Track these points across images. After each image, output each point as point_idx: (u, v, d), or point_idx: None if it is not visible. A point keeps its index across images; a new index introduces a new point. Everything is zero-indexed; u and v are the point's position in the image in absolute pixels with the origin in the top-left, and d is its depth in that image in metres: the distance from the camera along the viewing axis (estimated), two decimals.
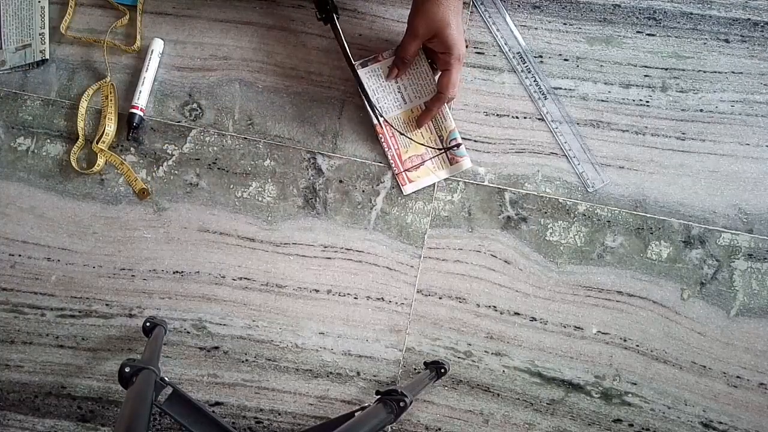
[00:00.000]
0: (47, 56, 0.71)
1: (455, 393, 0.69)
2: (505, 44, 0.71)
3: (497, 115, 0.70)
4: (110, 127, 0.70)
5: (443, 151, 0.69)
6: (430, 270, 0.70)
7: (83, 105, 0.70)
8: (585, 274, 0.69)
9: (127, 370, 0.49)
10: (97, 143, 0.69)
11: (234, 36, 0.72)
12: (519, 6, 0.71)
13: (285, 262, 0.70)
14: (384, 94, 0.69)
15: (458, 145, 0.68)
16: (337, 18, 0.64)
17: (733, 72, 0.70)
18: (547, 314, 0.69)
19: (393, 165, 0.69)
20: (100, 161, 0.70)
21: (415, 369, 0.69)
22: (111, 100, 0.70)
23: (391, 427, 0.69)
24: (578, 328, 0.69)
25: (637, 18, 0.71)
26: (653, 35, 0.70)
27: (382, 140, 0.69)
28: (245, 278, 0.70)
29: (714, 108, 0.70)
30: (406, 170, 0.69)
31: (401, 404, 0.50)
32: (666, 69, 0.70)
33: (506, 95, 0.70)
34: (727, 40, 0.70)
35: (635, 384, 0.68)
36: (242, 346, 0.70)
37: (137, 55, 0.72)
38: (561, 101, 0.70)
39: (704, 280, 0.69)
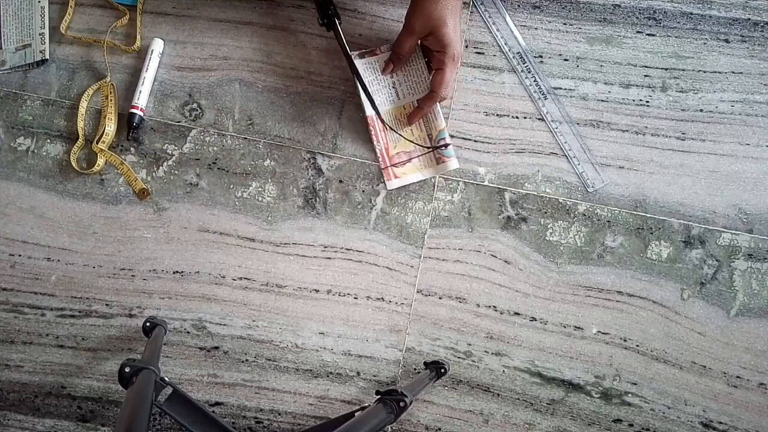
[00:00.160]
0: (47, 56, 0.71)
1: (455, 393, 0.69)
2: (505, 44, 0.71)
3: (497, 115, 0.70)
4: (110, 127, 0.70)
5: (431, 149, 0.69)
6: (430, 270, 0.70)
7: (83, 105, 0.70)
8: (585, 274, 0.69)
9: (127, 370, 0.49)
10: (97, 143, 0.69)
11: (234, 36, 0.72)
12: (519, 6, 0.71)
13: (285, 262, 0.70)
14: (378, 88, 0.69)
15: (446, 145, 0.68)
16: (339, 24, 0.64)
17: (733, 72, 0.70)
18: (547, 314, 0.69)
19: (380, 159, 0.69)
20: (100, 161, 0.70)
21: (415, 369, 0.69)
22: (111, 100, 0.70)
23: (391, 427, 0.69)
24: (578, 328, 0.69)
25: (637, 18, 0.71)
26: (653, 35, 0.70)
27: (372, 133, 0.69)
28: (245, 278, 0.70)
29: (714, 108, 0.70)
30: (392, 165, 0.69)
31: (401, 404, 0.50)
32: (666, 69, 0.70)
33: (506, 95, 0.70)
34: (727, 40, 0.70)
35: (635, 384, 0.68)
36: (242, 346, 0.70)
37: (137, 55, 0.72)
38: (561, 101, 0.70)
39: (704, 280, 0.69)
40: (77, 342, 0.70)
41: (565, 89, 0.70)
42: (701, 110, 0.70)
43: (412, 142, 0.69)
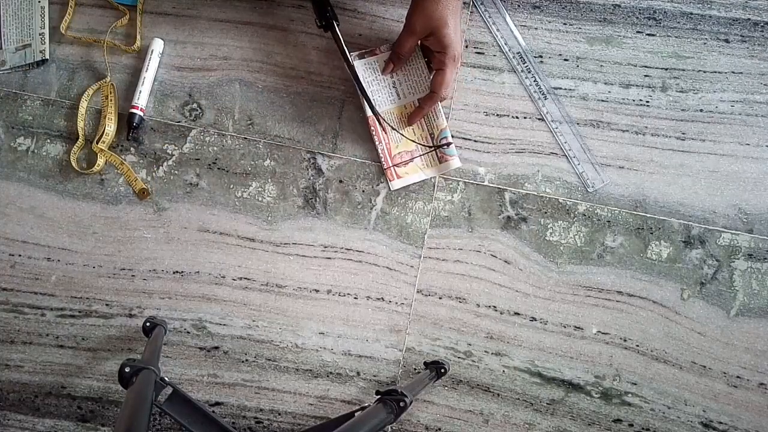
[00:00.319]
0: (47, 56, 0.71)
1: (455, 393, 0.69)
2: (505, 44, 0.71)
3: (497, 115, 0.70)
4: (110, 127, 0.70)
5: (433, 149, 0.69)
6: (430, 270, 0.70)
7: (83, 105, 0.70)
8: (585, 274, 0.69)
9: (127, 370, 0.49)
10: (97, 143, 0.69)
11: (234, 36, 0.72)
12: (519, 6, 0.71)
13: (285, 262, 0.70)
14: (378, 88, 0.69)
15: (448, 144, 0.68)
16: (338, 25, 0.64)
17: (733, 72, 0.70)
18: (547, 314, 0.69)
19: (382, 159, 0.69)
20: (100, 161, 0.70)
21: (415, 369, 0.69)
22: (111, 100, 0.70)
23: (391, 427, 0.69)
24: (578, 328, 0.69)
25: (637, 18, 0.71)
26: (653, 35, 0.70)
27: (374, 133, 0.69)
28: (245, 278, 0.70)
29: (714, 108, 0.70)
30: (395, 165, 0.69)
31: (401, 404, 0.50)
32: (666, 69, 0.70)
33: (506, 95, 0.70)
34: (727, 40, 0.70)
35: (635, 384, 0.68)
36: (242, 346, 0.70)
37: (137, 55, 0.72)
38: (561, 101, 0.70)
39: (704, 280, 0.69)
40: (77, 342, 0.70)
41: (565, 89, 0.70)
42: (701, 110, 0.70)
43: (414, 141, 0.69)
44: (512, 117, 0.70)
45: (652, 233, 0.69)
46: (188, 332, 0.70)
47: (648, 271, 0.69)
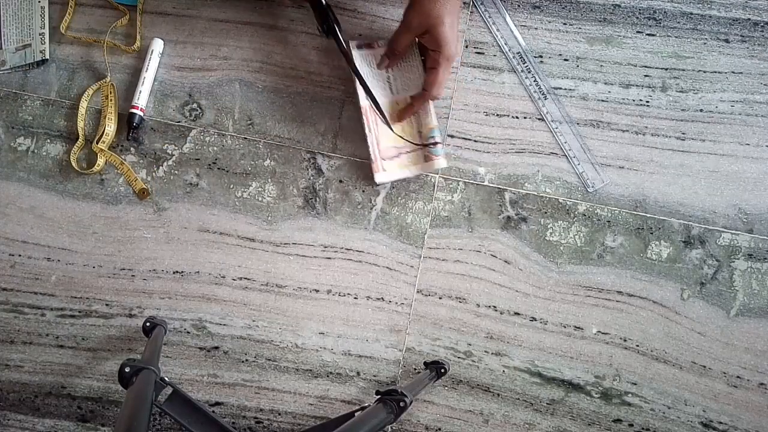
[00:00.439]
0: (47, 56, 0.71)
1: (455, 393, 0.69)
2: (505, 44, 0.71)
3: (497, 115, 0.70)
4: (110, 127, 0.70)
5: (420, 147, 0.69)
6: (430, 270, 0.70)
7: (83, 105, 0.70)
8: (585, 274, 0.69)
9: (127, 370, 0.49)
10: (97, 143, 0.69)
11: (234, 36, 0.72)
12: (519, 6, 0.71)
13: (285, 262, 0.70)
14: (373, 81, 0.68)
15: (436, 144, 0.68)
16: (340, 32, 0.64)
17: (733, 72, 0.70)
18: (547, 314, 0.69)
19: (371, 150, 0.68)
20: (100, 161, 0.70)
21: (415, 369, 0.69)
22: (111, 100, 0.70)
23: (391, 427, 0.69)
24: (578, 328, 0.69)
25: (637, 18, 0.71)
26: (653, 35, 0.70)
27: (365, 123, 0.68)
28: (245, 278, 0.70)
29: (714, 108, 0.70)
30: (382, 158, 0.69)
31: (401, 404, 0.50)
32: (666, 69, 0.70)
33: (506, 95, 0.70)
34: (727, 40, 0.70)
35: (635, 384, 0.68)
36: (242, 346, 0.70)
37: (137, 55, 0.72)
38: (561, 101, 0.70)
39: (704, 280, 0.69)
40: (77, 342, 0.70)
41: (565, 89, 0.70)
42: (701, 110, 0.70)
43: (402, 137, 0.68)
44: (512, 117, 0.70)
45: (652, 233, 0.69)
46: (188, 332, 0.70)
47: (648, 271, 0.69)
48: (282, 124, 0.71)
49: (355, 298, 0.70)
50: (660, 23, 0.70)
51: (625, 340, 0.69)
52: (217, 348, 0.70)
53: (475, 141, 0.70)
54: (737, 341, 0.68)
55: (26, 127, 0.71)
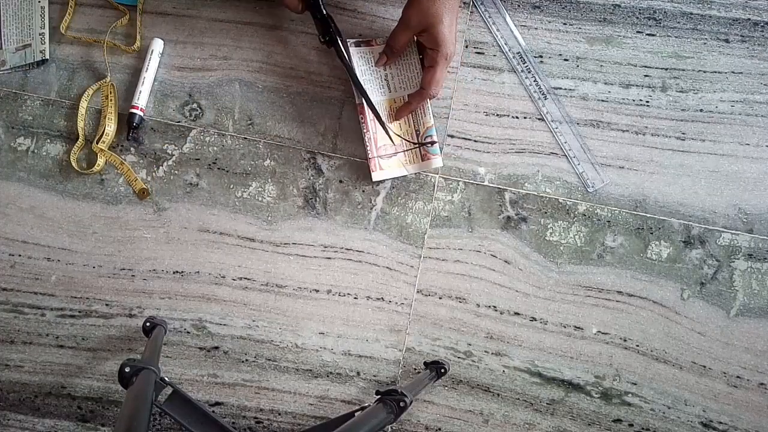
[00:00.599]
0: (47, 56, 0.71)
1: (455, 393, 0.69)
2: (505, 44, 0.71)
3: (497, 115, 0.70)
4: (110, 127, 0.70)
5: (417, 145, 0.69)
6: (430, 270, 0.70)
7: (83, 105, 0.70)
8: (585, 274, 0.69)
9: (127, 370, 0.49)
10: (97, 143, 0.69)
11: (234, 36, 0.72)
12: (519, 6, 0.71)
13: (285, 262, 0.70)
14: (371, 78, 0.69)
15: (433, 143, 0.68)
16: (342, 41, 0.64)
17: (733, 72, 0.70)
18: (547, 314, 0.69)
19: (368, 149, 0.68)
20: (100, 161, 0.70)
21: (415, 369, 0.69)
22: (111, 100, 0.70)
23: (391, 427, 0.69)
24: (578, 328, 0.69)
25: (637, 18, 0.71)
26: (653, 35, 0.70)
27: (362, 121, 0.68)
28: (245, 278, 0.70)
29: (714, 108, 0.70)
30: (379, 156, 0.69)
31: (401, 404, 0.50)
32: (666, 69, 0.70)
33: (506, 95, 0.70)
34: (727, 40, 0.70)
35: (635, 384, 0.68)
36: (242, 346, 0.70)
37: (137, 55, 0.72)
38: (561, 101, 0.70)
39: (704, 280, 0.69)
40: (77, 342, 0.70)
41: (565, 89, 0.70)
42: (701, 110, 0.70)
43: (399, 136, 0.68)
44: (512, 117, 0.70)
45: (652, 233, 0.69)
46: (188, 332, 0.70)
47: (648, 271, 0.69)
48: (282, 124, 0.71)
49: (355, 298, 0.70)
50: (660, 23, 0.70)
51: (625, 340, 0.69)
52: (217, 348, 0.70)
53: (475, 141, 0.70)
54: (737, 341, 0.68)
55: (26, 127, 0.71)
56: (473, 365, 0.69)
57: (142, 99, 0.69)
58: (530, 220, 0.70)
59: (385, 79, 0.69)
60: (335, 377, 0.69)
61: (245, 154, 0.71)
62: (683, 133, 0.70)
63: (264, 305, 0.70)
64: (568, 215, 0.70)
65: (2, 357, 0.70)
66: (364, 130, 0.68)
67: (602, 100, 0.70)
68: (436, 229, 0.70)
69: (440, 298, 0.69)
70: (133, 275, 0.70)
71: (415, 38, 0.66)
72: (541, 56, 0.71)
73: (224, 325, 0.70)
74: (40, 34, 0.71)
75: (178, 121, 0.71)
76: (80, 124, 0.70)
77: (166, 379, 0.51)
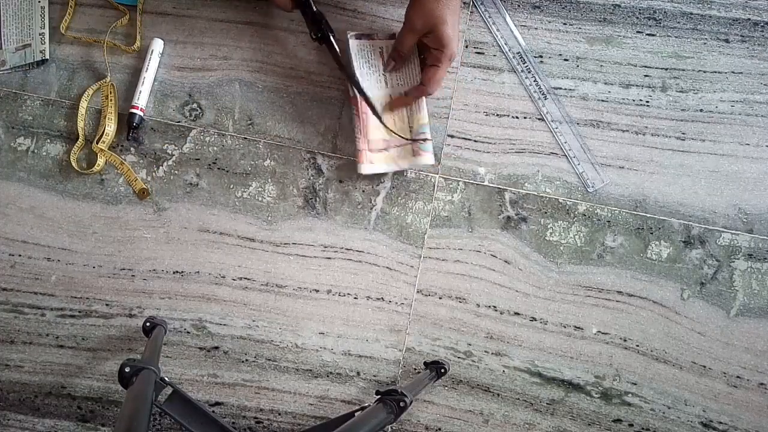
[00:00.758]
0: (47, 56, 0.71)
1: (455, 393, 0.69)
2: (505, 44, 0.71)
3: (497, 115, 0.70)
4: (110, 127, 0.70)
5: (409, 142, 0.68)
6: (430, 270, 0.70)
7: (83, 105, 0.70)
8: (585, 274, 0.69)
9: (127, 370, 0.49)
10: (97, 143, 0.69)
11: (234, 36, 0.72)
12: (519, 6, 0.71)
13: (285, 262, 0.70)
14: (369, 72, 0.68)
15: (425, 140, 0.68)
16: (333, 38, 0.64)
17: (733, 72, 0.70)
18: (547, 314, 0.69)
19: (359, 140, 0.68)
20: (100, 161, 0.70)
21: (415, 369, 0.69)
22: (111, 100, 0.70)
23: (391, 427, 0.69)
24: (578, 328, 0.69)
25: (637, 18, 0.71)
26: (653, 35, 0.70)
27: (354, 113, 0.68)
28: (245, 278, 0.70)
29: (714, 108, 0.70)
30: (369, 149, 0.68)
31: (401, 404, 0.50)
32: (666, 69, 0.70)
33: (506, 95, 0.70)
34: (727, 40, 0.70)
35: (635, 384, 0.68)
36: (242, 346, 0.70)
37: (137, 55, 0.72)
38: (561, 101, 0.70)
39: (704, 280, 0.69)
40: (77, 342, 0.70)
41: (565, 89, 0.70)
42: (701, 110, 0.70)
43: (392, 131, 0.68)
44: (512, 117, 0.70)
45: (652, 233, 0.69)
46: (188, 332, 0.70)
47: (648, 271, 0.69)
48: (282, 124, 0.71)
49: (355, 298, 0.70)
50: (660, 23, 0.70)
51: (625, 340, 0.69)
52: (217, 348, 0.70)
53: (475, 141, 0.70)
54: (737, 341, 0.68)
55: (26, 127, 0.71)
56: (473, 365, 0.69)
57: (142, 99, 0.69)
58: (530, 220, 0.70)
59: (383, 75, 0.69)
60: (335, 377, 0.69)
61: (245, 154, 0.71)
62: (683, 133, 0.70)
63: (264, 305, 0.70)
64: (568, 215, 0.70)
65: (2, 357, 0.70)
66: (357, 122, 0.68)
67: (602, 100, 0.70)
68: (436, 229, 0.70)
69: (440, 298, 0.69)
70: (133, 275, 0.70)
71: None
72: (541, 56, 0.71)
73: (224, 325, 0.70)
74: (40, 34, 0.71)
75: (178, 121, 0.71)
76: (80, 124, 0.70)
77: (166, 379, 0.51)
